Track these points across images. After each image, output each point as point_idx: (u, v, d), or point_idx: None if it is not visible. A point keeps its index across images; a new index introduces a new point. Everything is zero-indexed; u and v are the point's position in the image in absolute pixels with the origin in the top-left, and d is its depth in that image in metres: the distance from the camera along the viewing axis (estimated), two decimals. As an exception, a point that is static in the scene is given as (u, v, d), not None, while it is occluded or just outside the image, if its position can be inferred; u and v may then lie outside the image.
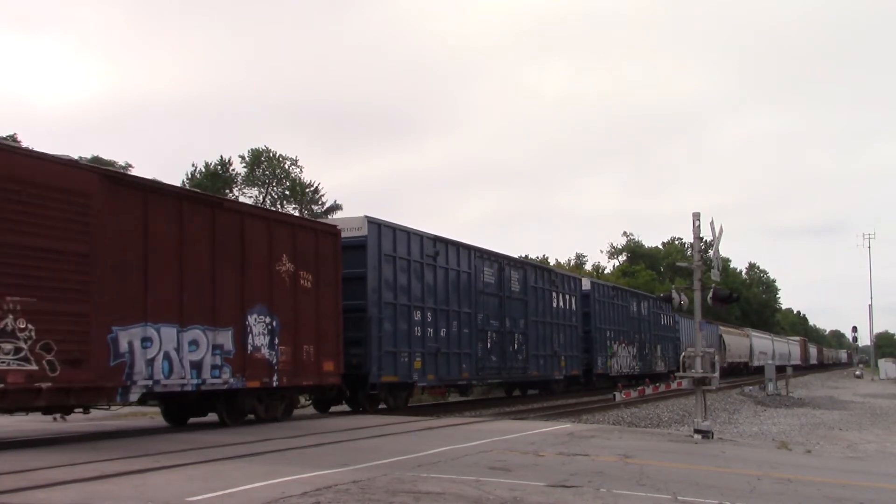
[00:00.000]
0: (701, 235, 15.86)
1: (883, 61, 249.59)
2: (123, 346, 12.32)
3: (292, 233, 16.14)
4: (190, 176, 52.97)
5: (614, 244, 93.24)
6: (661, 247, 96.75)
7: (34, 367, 10.89)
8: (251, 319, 14.90)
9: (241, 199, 51.23)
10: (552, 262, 75.52)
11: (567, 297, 29.91)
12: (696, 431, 15.15)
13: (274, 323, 15.42)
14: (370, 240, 18.82)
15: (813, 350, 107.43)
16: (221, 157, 54.86)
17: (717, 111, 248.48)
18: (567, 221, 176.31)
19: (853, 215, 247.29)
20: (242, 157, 55.58)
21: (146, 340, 12.68)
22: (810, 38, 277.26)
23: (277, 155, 55.98)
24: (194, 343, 13.63)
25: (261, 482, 7.93)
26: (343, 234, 17.89)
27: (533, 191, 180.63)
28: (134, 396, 12.71)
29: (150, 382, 12.73)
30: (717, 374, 15.63)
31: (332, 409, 19.60)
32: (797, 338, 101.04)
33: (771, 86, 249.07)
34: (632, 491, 8.17)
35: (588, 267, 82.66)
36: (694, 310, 16.09)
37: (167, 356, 13.03)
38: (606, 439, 13.67)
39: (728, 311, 75.49)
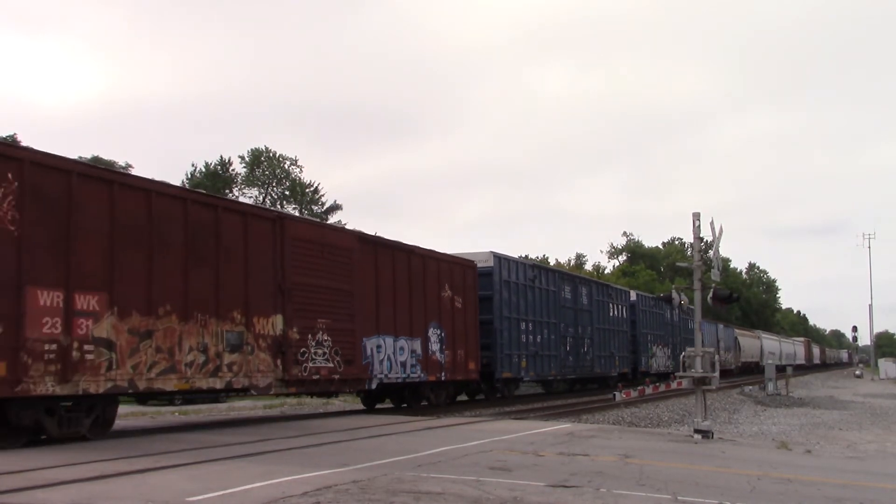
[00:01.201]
0: (701, 235, 15.85)
1: (883, 62, 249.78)
2: (369, 351, 18.19)
3: (450, 268, 22.08)
4: (190, 176, 53.01)
5: (614, 244, 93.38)
6: (661, 247, 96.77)
7: (332, 364, 16.86)
8: (430, 332, 20.78)
9: (241, 198, 51.20)
10: (552, 261, 75.56)
11: (620, 307, 35.60)
12: (696, 431, 15.15)
13: (442, 334, 21.34)
14: (495, 269, 24.50)
15: (816, 350, 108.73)
16: (221, 157, 54.97)
17: (717, 111, 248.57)
18: (567, 221, 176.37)
19: (853, 215, 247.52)
20: (242, 158, 55.62)
21: (379, 347, 18.55)
22: (810, 39, 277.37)
23: (277, 155, 56.01)
24: (402, 349, 19.47)
25: (261, 482, 7.93)
26: (477, 266, 23.70)
27: (533, 191, 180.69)
28: (373, 385, 18.54)
29: (382, 376, 18.61)
30: (716, 374, 15.63)
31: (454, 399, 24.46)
32: (801, 339, 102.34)
33: (771, 86, 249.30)
34: (632, 491, 8.16)
35: (588, 267, 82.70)
36: (694, 310, 16.10)
37: (389, 358, 18.90)
38: (606, 439, 13.66)
39: (728, 311, 75.55)
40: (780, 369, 44.95)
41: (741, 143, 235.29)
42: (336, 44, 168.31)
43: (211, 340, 13.68)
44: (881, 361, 73.29)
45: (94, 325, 11.78)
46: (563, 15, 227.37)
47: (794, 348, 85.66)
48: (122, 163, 51.62)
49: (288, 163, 56.22)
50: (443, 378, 21.30)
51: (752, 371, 61.57)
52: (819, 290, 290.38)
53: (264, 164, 55.60)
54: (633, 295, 38.27)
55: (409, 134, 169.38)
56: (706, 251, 18.45)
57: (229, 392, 16.16)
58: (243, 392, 15.30)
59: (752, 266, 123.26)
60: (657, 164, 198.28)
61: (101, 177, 12.46)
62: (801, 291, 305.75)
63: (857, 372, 73.68)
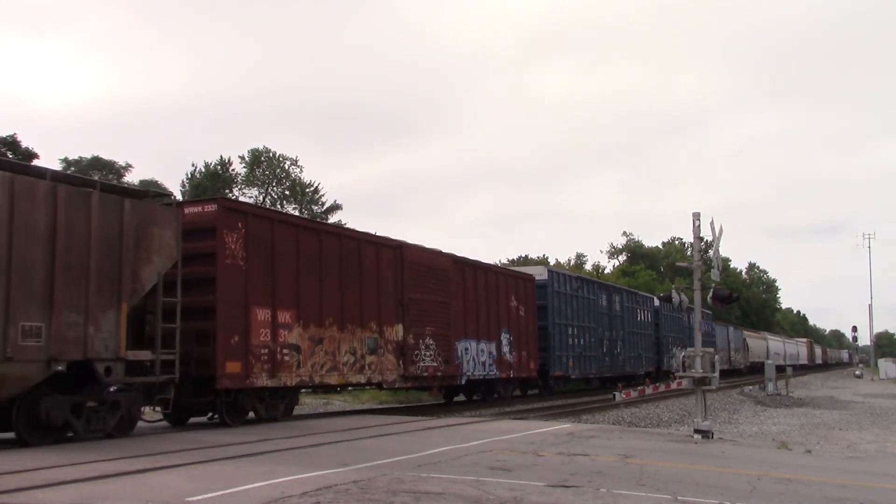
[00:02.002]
0: (701, 235, 15.85)
1: (884, 61, 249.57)
2: (459, 353, 21.87)
3: (515, 282, 25.90)
4: (190, 176, 52.87)
5: (614, 244, 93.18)
6: (661, 247, 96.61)
7: (436, 364, 20.55)
8: (502, 336, 24.46)
9: (241, 198, 51.12)
10: (552, 261, 75.48)
11: (645, 312, 39.49)
12: (696, 431, 15.14)
13: (511, 338, 25.02)
14: (548, 282, 28.58)
15: (818, 350, 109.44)
16: (221, 157, 54.70)
17: (717, 111, 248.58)
18: (567, 221, 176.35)
19: (853, 215, 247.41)
20: (242, 158, 55.37)
21: (466, 349, 22.22)
22: (811, 39, 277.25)
23: (277, 155, 55.75)
24: (482, 350, 23.15)
25: (261, 482, 7.93)
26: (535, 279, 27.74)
27: (533, 191, 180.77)
28: (463, 381, 22.29)
29: (469, 374, 22.38)
30: (716, 374, 15.62)
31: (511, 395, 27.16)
32: (804, 339, 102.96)
33: (771, 86, 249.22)
34: (632, 491, 8.16)
35: (588, 267, 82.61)
36: (695, 310, 16.09)
37: (473, 359, 22.54)
38: (606, 439, 13.66)
39: (728, 311, 75.46)
40: (781, 369, 45.03)
41: (741, 142, 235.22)
42: (338, 45, 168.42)
43: (358, 345, 17.71)
44: (881, 361, 73.26)
45: (288, 334, 15.64)
46: (563, 16, 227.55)
47: (797, 349, 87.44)
48: (122, 162, 51.61)
49: (288, 163, 55.97)
50: (511, 376, 25.08)
51: (759, 370, 62.84)
52: (819, 290, 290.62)
53: (264, 164, 55.38)
54: (656, 301, 41.35)
55: (409, 134, 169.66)
56: (706, 251, 18.46)
57: (368, 385, 19.57)
58: (377, 386, 19.34)
59: (752, 266, 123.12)
60: (657, 164, 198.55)
61: (289, 221, 16.80)
62: (801, 291, 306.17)
63: (857, 372, 73.61)
